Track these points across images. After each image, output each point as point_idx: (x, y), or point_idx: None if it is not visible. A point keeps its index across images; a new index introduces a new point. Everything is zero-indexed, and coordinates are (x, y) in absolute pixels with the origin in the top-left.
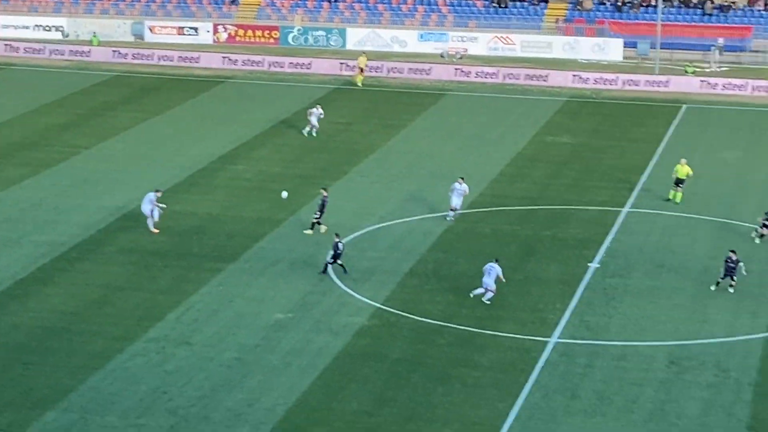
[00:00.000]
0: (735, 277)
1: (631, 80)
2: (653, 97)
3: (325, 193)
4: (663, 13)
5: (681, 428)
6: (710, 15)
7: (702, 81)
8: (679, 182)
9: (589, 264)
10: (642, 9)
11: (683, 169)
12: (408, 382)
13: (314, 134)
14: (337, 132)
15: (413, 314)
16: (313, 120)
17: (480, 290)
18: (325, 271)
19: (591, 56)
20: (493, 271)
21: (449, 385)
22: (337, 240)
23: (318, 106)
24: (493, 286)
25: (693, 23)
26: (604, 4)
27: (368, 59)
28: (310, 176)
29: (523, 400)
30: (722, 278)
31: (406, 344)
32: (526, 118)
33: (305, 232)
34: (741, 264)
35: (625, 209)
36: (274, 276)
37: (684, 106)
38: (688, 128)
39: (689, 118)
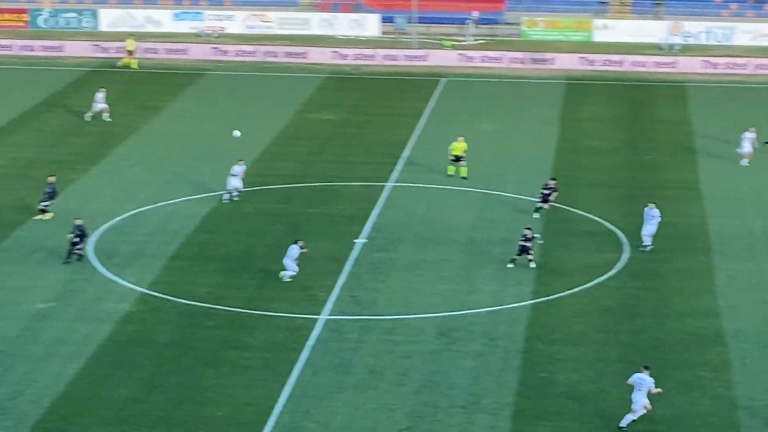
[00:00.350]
0: (531, 252)
1: (390, 55)
2: (413, 72)
3: (52, 180)
4: None
5: (452, 398)
6: None
7: (459, 54)
8: (458, 159)
9: (356, 240)
10: None
11: (460, 146)
12: (177, 366)
13: (107, 118)
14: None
15: (180, 297)
16: (98, 106)
17: (286, 273)
18: (79, 258)
19: (349, 32)
20: (291, 252)
21: (220, 368)
22: (78, 224)
23: (102, 89)
24: (295, 267)
25: None
26: None
27: (136, 41)
28: (67, 161)
29: (295, 378)
30: (518, 255)
31: (174, 328)
32: (287, 95)
33: (36, 218)
34: (536, 236)
35: (390, 184)
36: (34, 264)
37: (443, 80)
38: (447, 101)
39: (448, 92)
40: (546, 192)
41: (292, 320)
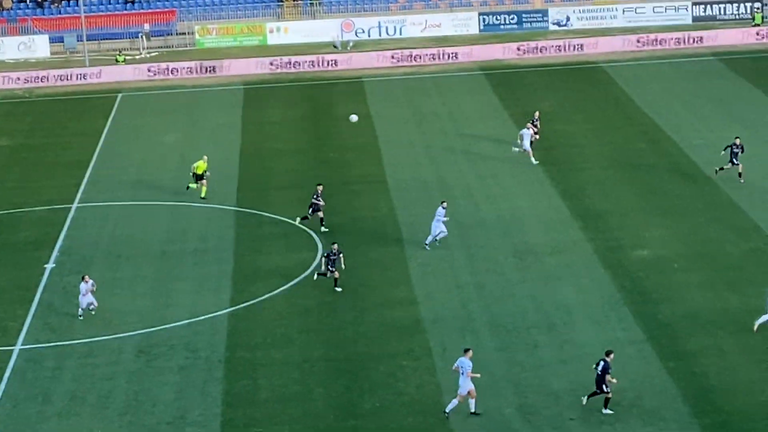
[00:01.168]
0: (334, 268)
1: (63, 75)
2: (88, 90)
3: None
4: (86, 5)
5: (158, 415)
6: (133, 2)
7: (134, 68)
8: (198, 177)
9: (45, 265)
10: (64, 3)
11: (202, 165)
12: None
13: None
14: None
15: None
16: None
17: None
18: None
19: (18, 55)
20: (81, 289)
21: None
22: None
23: None
24: (93, 300)
25: (117, 12)
26: (25, 1)
27: None
28: None
29: None
30: (330, 269)
31: None
32: None
33: None
34: (341, 255)
35: (75, 205)
36: None
37: (120, 95)
38: (127, 116)
39: (126, 106)
40: (317, 201)
41: None
